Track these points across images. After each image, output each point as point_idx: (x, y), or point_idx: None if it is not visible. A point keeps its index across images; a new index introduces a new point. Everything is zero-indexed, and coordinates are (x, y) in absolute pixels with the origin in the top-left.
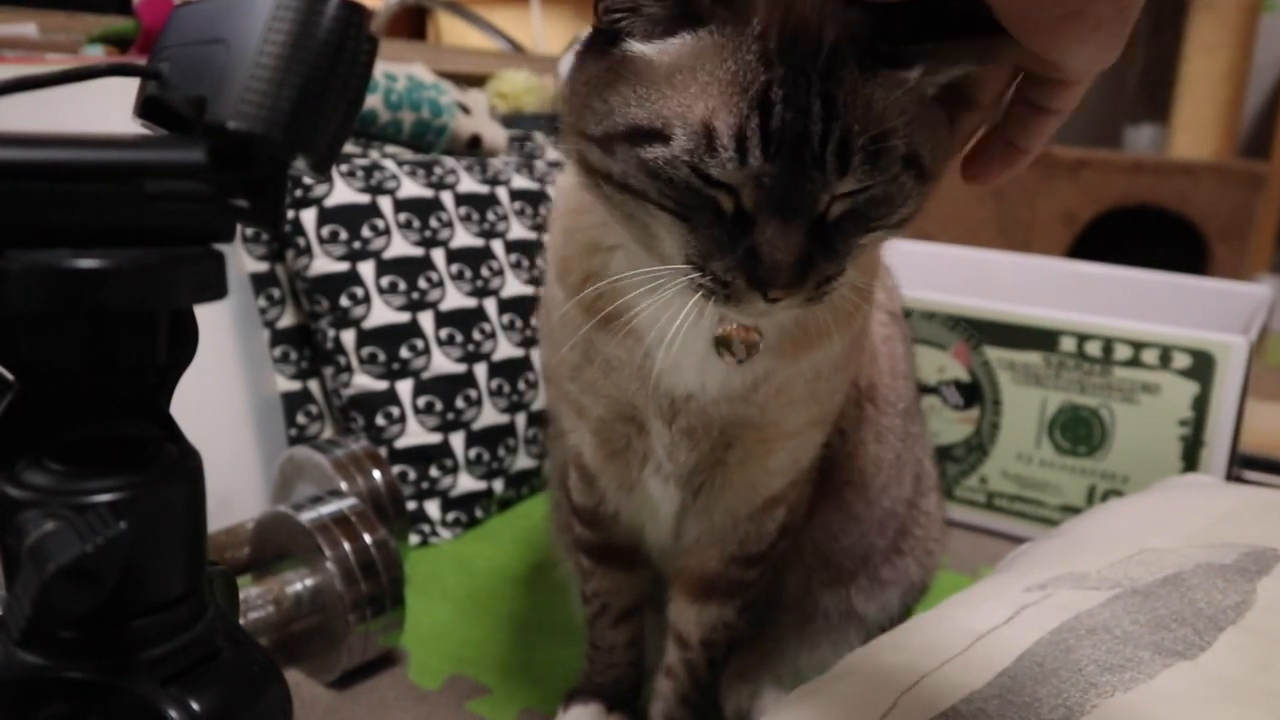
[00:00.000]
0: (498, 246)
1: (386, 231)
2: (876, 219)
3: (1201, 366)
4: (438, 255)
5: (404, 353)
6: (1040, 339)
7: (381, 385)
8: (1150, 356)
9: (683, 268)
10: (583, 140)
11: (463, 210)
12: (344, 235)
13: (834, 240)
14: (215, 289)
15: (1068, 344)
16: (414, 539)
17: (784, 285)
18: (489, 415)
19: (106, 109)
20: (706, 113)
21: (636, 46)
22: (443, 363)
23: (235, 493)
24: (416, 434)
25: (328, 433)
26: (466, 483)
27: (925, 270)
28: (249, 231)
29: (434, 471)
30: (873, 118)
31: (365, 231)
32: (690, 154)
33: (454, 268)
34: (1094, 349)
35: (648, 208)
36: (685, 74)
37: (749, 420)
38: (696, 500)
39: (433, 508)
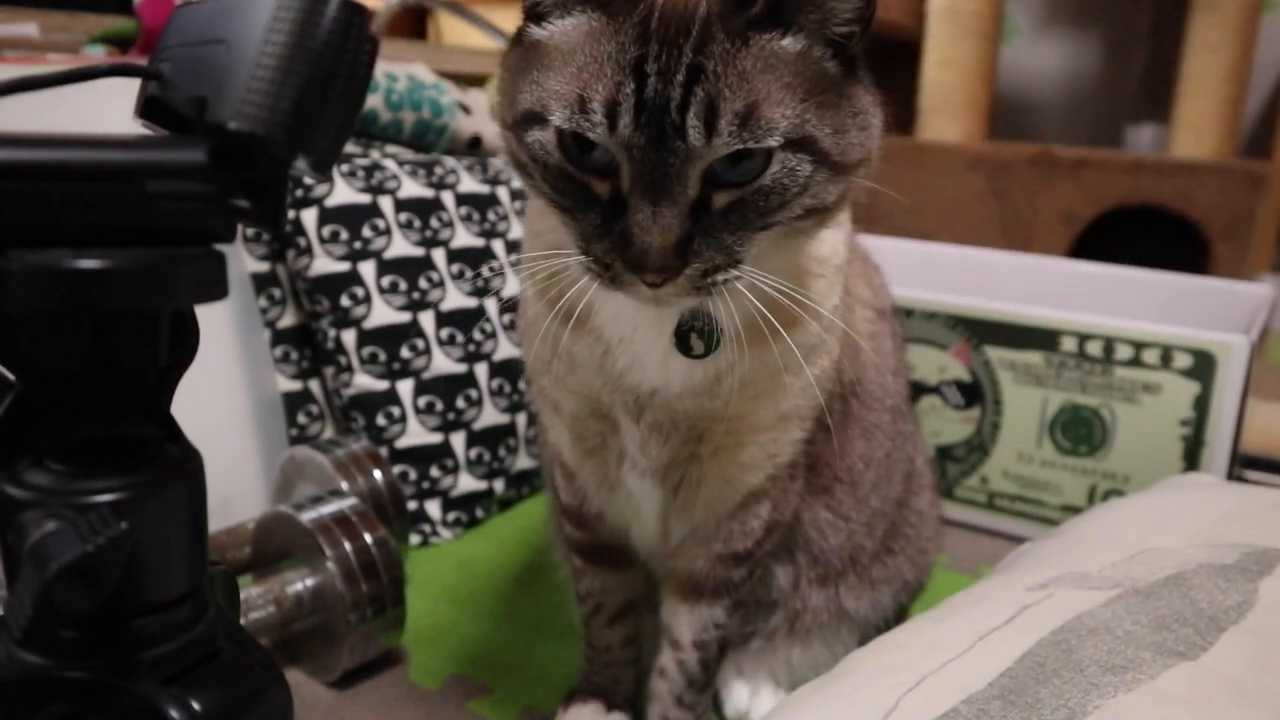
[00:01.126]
0: (498, 246)
1: (387, 231)
2: (769, 211)
3: (1202, 366)
4: (438, 255)
5: (405, 353)
6: (1041, 339)
7: (382, 385)
8: (1151, 356)
9: (572, 251)
10: (504, 130)
11: (463, 210)
12: (345, 235)
13: (719, 231)
14: (216, 289)
15: (1069, 344)
16: (414, 539)
17: (655, 269)
18: (490, 415)
19: (108, 109)
20: (581, 86)
21: (535, 31)
22: (443, 363)
23: (236, 492)
24: (417, 434)
25: (328, 433)
26: (467, 483)
27: (926, 270)
28: (249, 231)
29: (435, 471)
30: (745, 87)
31: (366, 231)
32: (564, 125)
33: (455, 267)
34: (1095, 349)
35: (546, 194)
36: (569, 54)
37: (715, 414)
38: (676, 497)
39: (433, 507)
